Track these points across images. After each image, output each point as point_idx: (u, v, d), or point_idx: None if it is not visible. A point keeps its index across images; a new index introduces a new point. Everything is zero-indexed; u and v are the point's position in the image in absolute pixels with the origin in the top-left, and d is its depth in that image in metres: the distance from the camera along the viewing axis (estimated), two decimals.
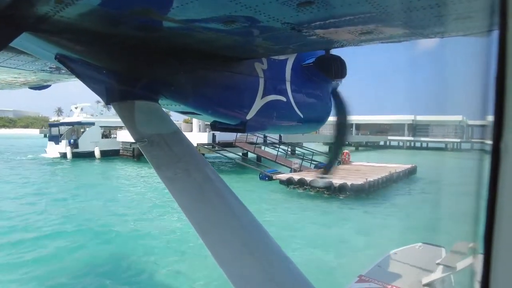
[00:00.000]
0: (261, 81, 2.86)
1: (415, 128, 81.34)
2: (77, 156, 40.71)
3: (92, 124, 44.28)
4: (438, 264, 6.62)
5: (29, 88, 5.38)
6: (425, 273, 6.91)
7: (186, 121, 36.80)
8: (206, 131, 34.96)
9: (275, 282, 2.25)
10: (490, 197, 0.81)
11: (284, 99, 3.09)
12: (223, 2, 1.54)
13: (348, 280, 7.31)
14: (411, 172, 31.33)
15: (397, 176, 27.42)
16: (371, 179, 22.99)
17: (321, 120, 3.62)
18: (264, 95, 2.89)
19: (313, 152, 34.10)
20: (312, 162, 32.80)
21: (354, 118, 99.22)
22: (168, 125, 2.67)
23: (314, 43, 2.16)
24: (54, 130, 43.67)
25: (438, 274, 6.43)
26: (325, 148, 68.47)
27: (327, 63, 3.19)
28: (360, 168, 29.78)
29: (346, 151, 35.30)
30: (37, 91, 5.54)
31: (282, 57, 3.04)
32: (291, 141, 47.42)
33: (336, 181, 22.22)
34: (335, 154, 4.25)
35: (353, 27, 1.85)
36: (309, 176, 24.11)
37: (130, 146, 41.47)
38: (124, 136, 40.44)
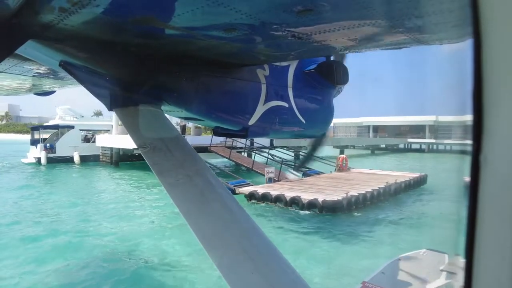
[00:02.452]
0: (263, 87, 2.90)
1: (437, 130, 73.02)
2: (54, 161, 38.29)
3: (72, 127, 41.94)
4: (442, 270, 6.42)
5: (34, 94, 5.41)
6: (429, 280, 6.76)
7: None
8: None
9: None
10: (471, 206, 0.85)
11: (286, 105, 3.11)
12: (223, 11, 1.58)
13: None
14: (419, 182, 26.71)
15: (397, 188, 22.94)
16: (355, 194, 16.90)
17: (323, 126, 3.64)
18: (266, 101, 2.92)
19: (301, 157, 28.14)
20: (296, 167, 26.81)
21: (372, 119, 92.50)
22: (170, 131, 2.72)
23: (315, 49, 2.21)
24: (36, 134, 41.39)
25: (442, 280, 6.30)
26: (336, 152, 62.22)
27: (328, 69, 3.23)
28: (354, 177, 24.44)
29: (342, 156, 29.51)
30: (44, 96, 5.55)
31: (284, 63, 3.07)
32: (292, 145, 41.55)
33: (306, 196, 16.34)
34: (310, 153, 4.10)
35: (353, 33, 1.88)
36: (279, 190, 20.40)
37: (109, 151, 39.22)
38: (104, 140, 38.67)
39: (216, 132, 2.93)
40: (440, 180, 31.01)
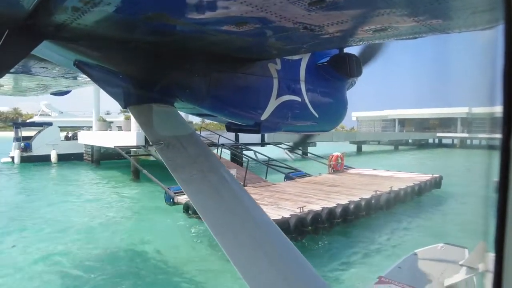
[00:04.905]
0: (275, 82, 2.92)
1: (471, 123, 64.83)
2: (29, 160, 36.33)
3: (50, 124, 40.01)
4: (461, 265, 6.12)
5: (50, 94, 5.68)
6: (447, 275, 6.41)
7: (127, 118, 28.28)
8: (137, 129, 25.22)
9: (290, 283, 2.32)
10: (501, 197, 0.83)
11: (298, 99, 3.12)
12: (234, 4, 1.64)
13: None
14: (429, 186, 21.44)
15: (391, 198, 17.24)
16: (317, 208, 11.41)
17: (336, 119, 3.65)
18: (278, 96, 2.94)
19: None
20: (271, 166, 21.99)
21: (398, 112, 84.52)
22: (183, 128, 2.80)
23: (327, 42, 2.23)
24: (19, 131, 39.30)
25: (461, 275, 5.98)
26: (353, 148, 56.01)
27: (341, 62, 3.21)
28: (343, 181, 20.95)
29: (336, 154, 24.21)
30: (60, 96, 5.85)
31: (296, 57, 3.10)
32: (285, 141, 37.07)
33: None
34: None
35: (367, 24, 1.89)
36: None
37: (90, 149, 36.28)
38: (86, 138, 35.77)
39: (229, 128, 3.04)
40: (461, 182, 24.42)
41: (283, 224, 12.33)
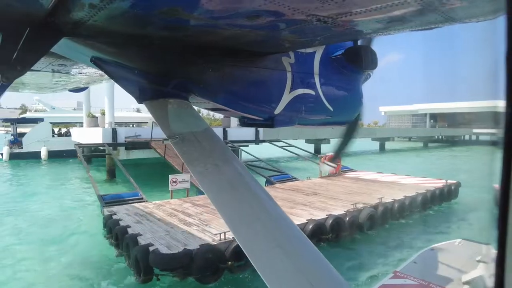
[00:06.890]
0: (289, 75, 2.92)
1: None
2: (19, 157, 35.24)
3: (41, 120, 39.83)
4: (479, 261, 5.92)
5: (68, 90, 5.69)
6: (464, 271, 6.22)
7: (102, 113, 26.13)
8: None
9: (306, 276, 2.31)
10: (503, 194, 0.82)
11: (312, 92, 3.09)
12: None
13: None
14: (440, 197, 17.10)
15: (376, 215, 13.13)
16: None
17: (351, 113, 3.57)
18: (292, 89, 2.93)
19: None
20: (251, 167, 19.27)
21: (429, 106, 77.69)
22: (198, 122, 2.82)
23: (341, 34, 2.24)
24: (13, 128, 40.09)
25: (479, 271, 5.75)
26: (375, 146, 51.38)
27: (357, 54, 3.15)
28: (328, 189, 17.34)
29: (330, 155, 20.55)
30: (78, 92, 5.96)
31: (309, 50, 3.09)
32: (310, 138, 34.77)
33: (148, 236, 7.51)
34: (341, 146, 4.04)
35: (381, 16, 1.83)
36: (158, 213, 12.52)
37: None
38: (78, 135, 32.85)
39: (243, 122, 3.05)
40: (486, 189, 19.11)
41: (176, 259, 8.09)
